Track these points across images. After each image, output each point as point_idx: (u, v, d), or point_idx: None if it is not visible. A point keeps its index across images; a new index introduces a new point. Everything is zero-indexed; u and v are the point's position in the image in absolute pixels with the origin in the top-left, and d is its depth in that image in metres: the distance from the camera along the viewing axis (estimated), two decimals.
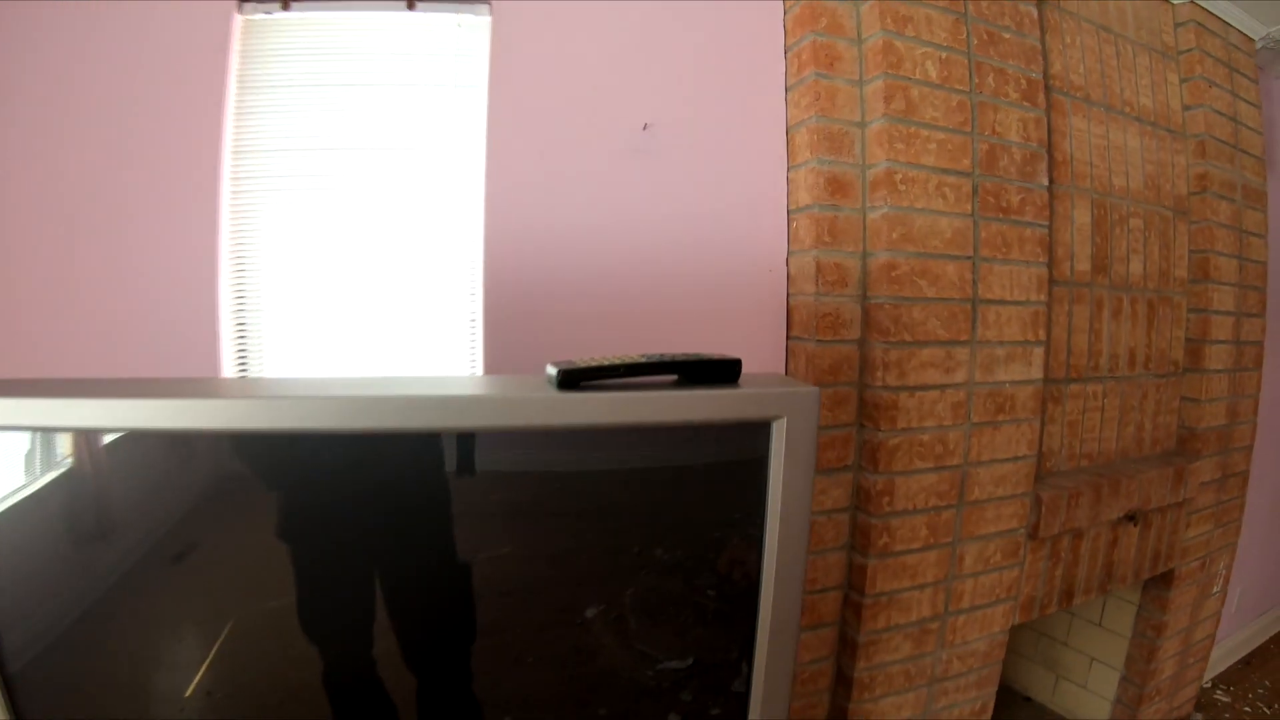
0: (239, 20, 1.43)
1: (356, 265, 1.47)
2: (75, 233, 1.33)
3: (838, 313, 1.43)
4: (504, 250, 1.40)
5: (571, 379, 0.96)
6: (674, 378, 1.03)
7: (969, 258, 1.50)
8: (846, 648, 1.56)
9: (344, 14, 1.47)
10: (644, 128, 1.47)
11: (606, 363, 0.99)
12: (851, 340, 1.45)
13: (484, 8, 1.46)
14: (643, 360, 1.01)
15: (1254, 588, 3.06)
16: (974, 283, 1.51)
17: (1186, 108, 2.16)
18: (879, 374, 1.42)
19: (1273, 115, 2.74)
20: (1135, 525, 1.93)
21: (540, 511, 1.03)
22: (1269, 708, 2.88)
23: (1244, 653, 3.17)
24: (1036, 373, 1.62)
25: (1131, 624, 2.30)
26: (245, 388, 0.94)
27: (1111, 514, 1.86)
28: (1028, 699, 2.63)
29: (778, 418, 0.99)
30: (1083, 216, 1.82)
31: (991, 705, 1.83)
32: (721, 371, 1.03)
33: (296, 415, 0.83)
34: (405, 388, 0.91)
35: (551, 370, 0.98)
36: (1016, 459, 1.62)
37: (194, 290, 1.40)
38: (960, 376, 1.50)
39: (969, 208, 1.51)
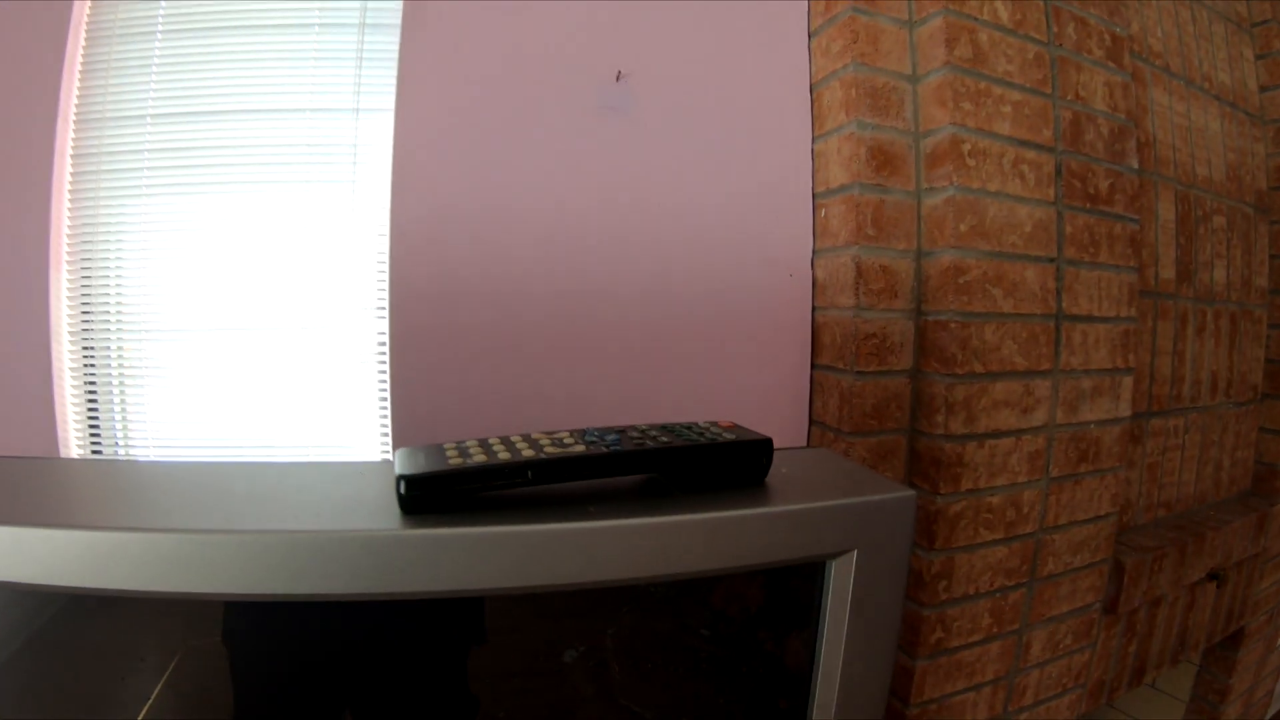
0: None
1: (233, 276, 1.04)
2: None
3: (885, 333, 1.02)
4: (418, 247, 0.98)
5: (422, 493, 0.53)
6: (643, 478, 0.61)
7: (1052, 260, 1.09)
8: None
9: None
10: (617, 78, 1.05)
11: (502, 460, 0.55)
12: (901, 371, 1.04)
13: None
14: (581, 452, 0.57)
15: None
16: (1059, 293, 1.10)
17: (1264, 89, 1.76)
18: (940, 418, 1.00)
19: None
20: (1219, 585, 1.53)
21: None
22: None
23: None
24: (1125, 409, 1.21)
25: (1190, 687, 1.90)
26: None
27: (1195, 574, 1.46)
28: None
29: (840, 554, 0.57)
30: (1167, 211, 1.42)
31: None
32: (737, 461, 0.61)
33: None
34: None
35: (397, 478, 0.54)
36: (1098, 519, 1.21)
37: (19, 324, 0.97)
38: (1040, 418, 1.09)
39: (1052, 193, 1.10)
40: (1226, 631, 1.74)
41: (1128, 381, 1.22)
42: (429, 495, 0.51)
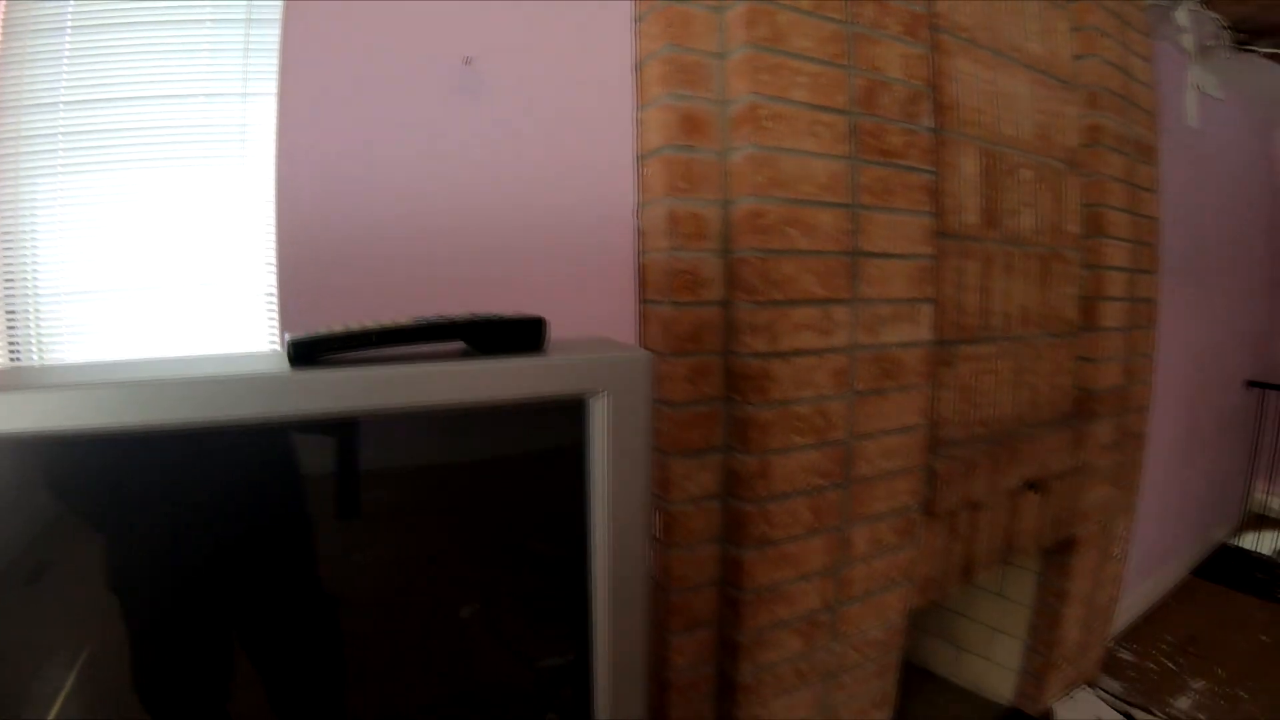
0: None
1: (132, 237, 1.15)
2: None
3: (696, 270, 1.17)
4: (301, 211, 1.10)
5: (307, 351, 0.68)
6: (460, 345, 0.76)
7: (847, 205, 1.26)
8: (727, 650, 1.31)
9: None
10: (466, 62, 1.19)
11: (358, 329, 0.70)
12: (714, 301, 1.20)
13: None
14: (411, 324, 0.73)
15: (1150, 545, 2.94)
16: (854, 233, 1.27)
17: (1077, 57, 1.97)
18: (746, 339, 1.17)
19: (1160, 76, 2.58)
20: (1036, 493, 1.73)
21: (406, 508, 0.79)
22: (1174, 661, 2.78)
23: (1145, 608, 3.07)
24: (925, 333, 1.39)
25: (1033, 592, 2.13)
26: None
27: (1010, 482, 1.66)
28: (929, 674, 2.45)
29: (596, 393, 0.72)
30: (970, 165, 1.60)
31: (893, 693, 1.62)
32: (521, 335, 0.76)
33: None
34: (99, 375, 0.61)
35: (286, 338, 0.69)
36: (906, 429, 1.39)
37: None
38: (841, 339, 1.26)
39: (846, 149, 1.27)
40: (1056, 538, 1.95)
41: (927, 309, 1.40)
42: (308, 352, 0.66)
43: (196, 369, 0.62)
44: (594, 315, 1.19)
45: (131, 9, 1.11)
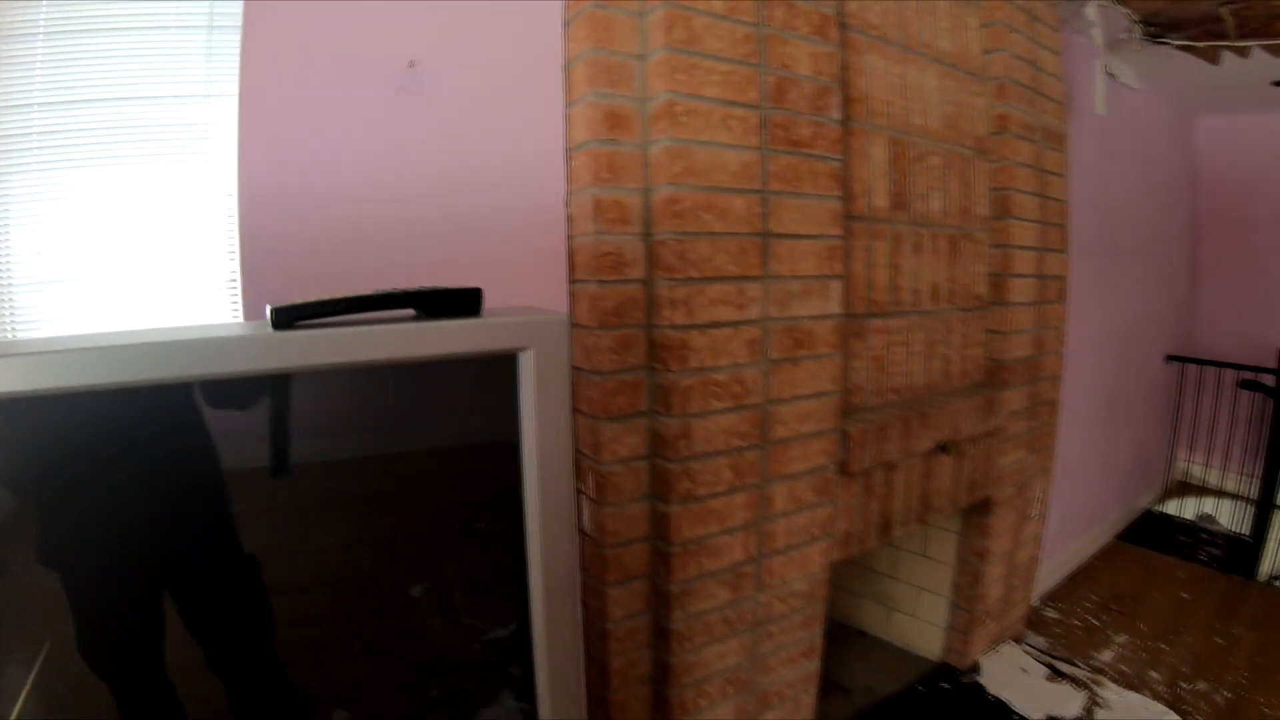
0: None
1: (103, 229, 1.27)
2: None
3: (620, 251, 1.33)
4: (262, 203, 1.23)
5: (287, 316, 0.83)
6: (412, 313, 0.91)
7: (758, 191, 1.43)
8: (660, 599, 1.48)
9: None
10: (409, 65, 1.32)
11: (329, 298, 0.85)
12: (636, 280, 1.36)
13: None
14: (372, 294, 0.88)
15: (1073, 510, 3.19)
16: (764, 216, 1.44)
17: (986, 51, 2.16)
18: (666, 313, 1.33)
19: (1072, 67, 2.81)
20: (948, 455, 1.92)
21: (357, 499, 0.94)
22: (1097, 618, 3.02)
23: (1070, 570, 3.31)
24: (835, 307, 1.57)
25: (955, 552, 2.33)
26: None
27: (923, 445, 1.85)
28: (861, 634, 2.66)
29: (524, 349, 0.88)
30: (880, 153, 1.79)
31: (820, 643, 1.80)
32: (462, 303, 0.91)
33: None
34: (110, 339, 0.74)
35: (267, 309, 0.84)
36: (820, 395, 1.57)
37: None
38: (754, 312, 1.43)
39: (757, 140, 1.44)
40: (972, 499, 2.15)
41: (836, 285, 1.58)
42: (287, 318, 0.80)
43: (189, 334, 0.76)
44: (530, 294, 1.34)
45: (100, 15, 1.23)
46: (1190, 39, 3.07)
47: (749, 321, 1.43)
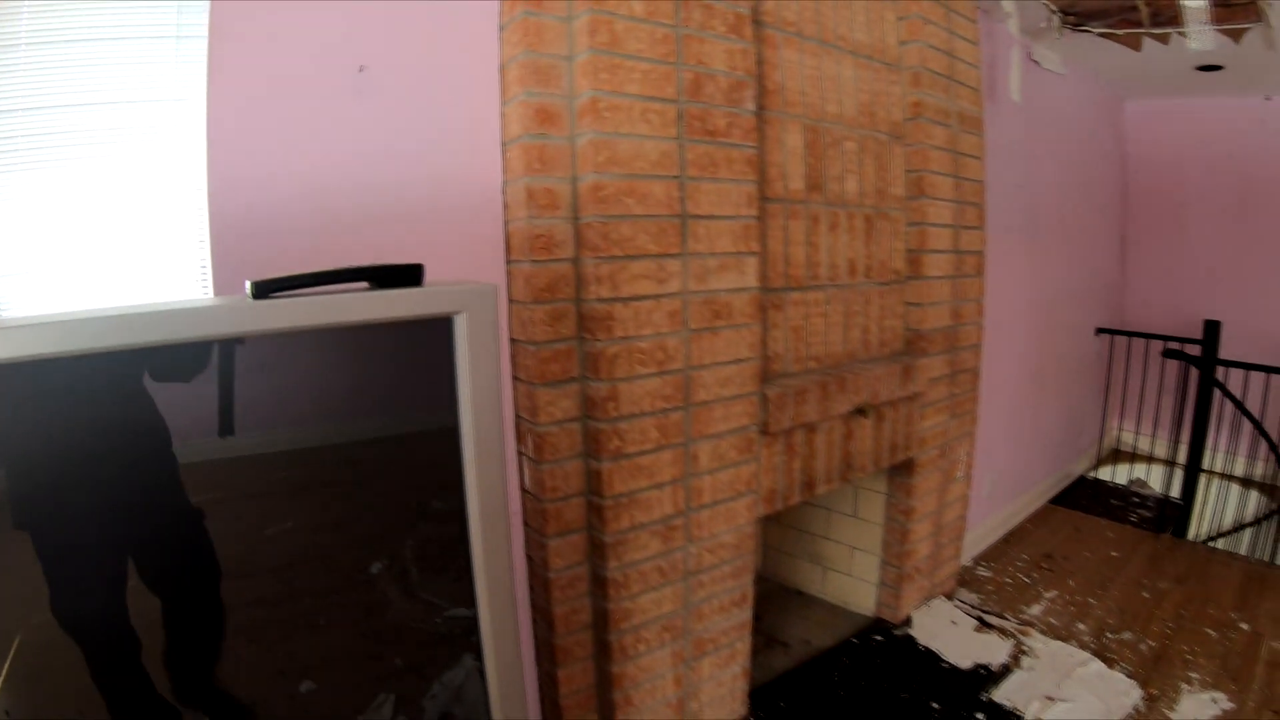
0: None
1: (83, 221, 1.45)
2: None
3: (551, 234, 1.54)
4: (229, 196, 1.41)
5: (264, 289, 1.02)
6: (366, 285, 1.11)
7: (676, 177, 1.65)
8: (597, 550, 1.70)
9: None
10: (360, 70, 1.51)
11: (298, 274, 1.05)
12: (566, 259, 1.57)
13: None
14: (332, 270, 1.08)
15: (1005, 475, 3.47)
16: (682, 200, 1.66)
17: (903, 43, 2.39)
18: (593, 288, 1.54)
19: (993, 54, 3.06)
20: (866, 417, 2.17)
21: (317, 484, 1.13)
22: (1028, 576, 3.31)
23: (1003, 532, 3.60)
24: (751, 281, 1.79)
25: (883, 512, 2.58)
26: None
27: (841, 408, 2.09)
28: (800, 593, 2.91)
29: (458, 312, 1.08)
30: (795, 140, 2.01)
31: (751, 593, 2.03)
32: (407, 276, 1.12)
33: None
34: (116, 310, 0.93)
35: (248, 284, 1.03)
36: (739, 361, 1.80)
37: None
38: (674, 286, 1.65)
39: (674, 131, 1.65)
40: (894, 460, 2.40)
41: (752, 261, 1.80)
42: (264, 290, 1.00)
43: (184, 304, 0.96)
44: (472, 273, 1.54)
45: (78, 27, 1.41)
46: (1110, 27, 3.34)
47: (669, 295, 1.64)
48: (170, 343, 0.88)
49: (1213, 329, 3.76)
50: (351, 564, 1.17)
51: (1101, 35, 3.41)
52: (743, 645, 2.05)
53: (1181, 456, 3.88)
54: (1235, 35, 3.21)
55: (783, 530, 2.98)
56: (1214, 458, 3.91)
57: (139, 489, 0.98)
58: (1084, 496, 4.13)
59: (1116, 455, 4.65)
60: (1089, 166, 4.16)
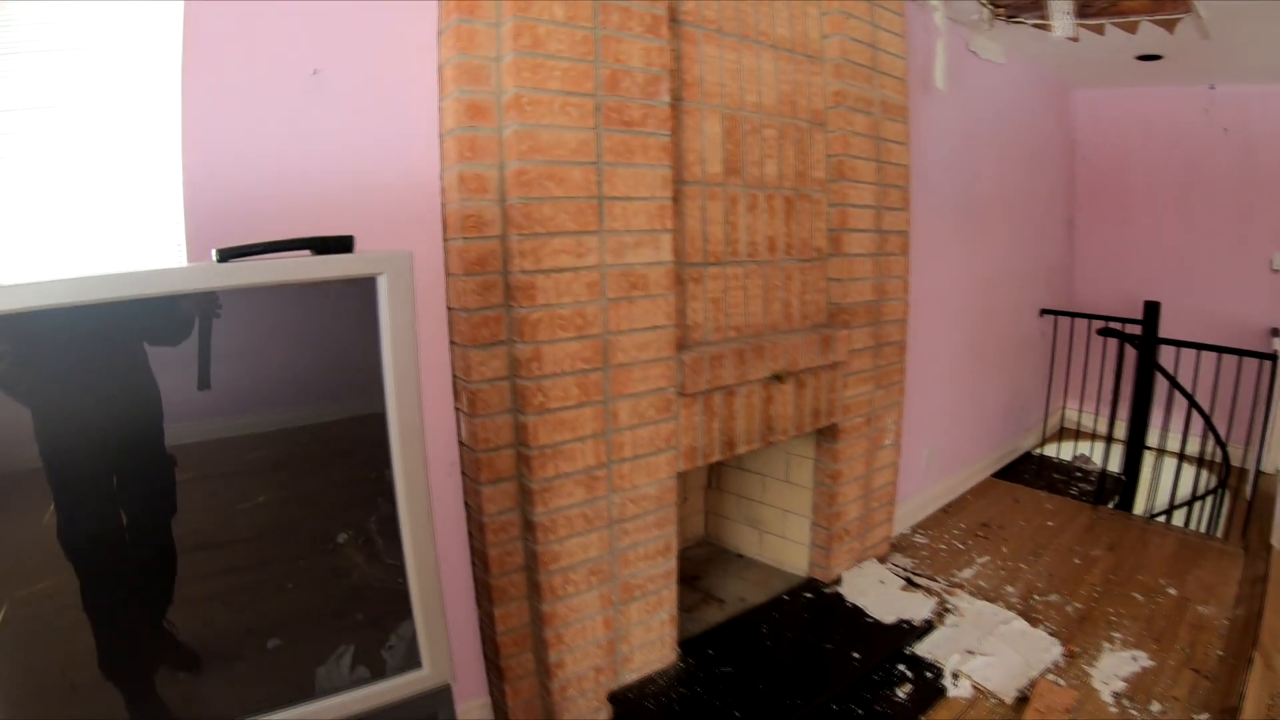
0: None
1: (80, 210, 1.73)
2: None
3: (480, 214, 1.85)
4: (203, 181, 1.68)
5: (226, 255, 1.32)
6: (309, 252, 1.41)
7: (594, 163, 1.95)
8: (526, 496, 2.00)
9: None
10: (314, 73, 1.80)
11: (253, 243, 1.35)
12: (494, 236, 1.88)
13: None
14: (281, 240, 1.38)
15: (944, 448, 3.81)
16: (599, 183, 1.96)
17: (825, 36, 2.71)
18: (517, 261, 1.85)
19: (930, 45, 3.38)
20: (783, 383, 2.48)
21: (287, 462, 1.41)
22: (963, 543, 3.65)
23: (943, 503, 3.94)
24: (667, 256, 2.10)
25: (813, 476, 2.91)
26: None
27: (759, 374, 2.40)
28: (740, 556, 3.23)
29: (380, 274, 1.38)
30: (714, 128, 2.32)
31: (675, 542, 2.35)
32: (341, 245, 1.42)
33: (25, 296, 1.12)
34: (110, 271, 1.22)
35: (214, 251, 1.33)
36: (656, 328, 2.11)
37: None
38: (592, 260, 1.96)
39: (593, 122, 1.96)
40: (817, 425, 2.72)
41: (666, 238, 2.11)
42: (227, 256, 1.30)
43: (165, 267, 1.26)
44: (414, 249, 1.85)
45: (64, 29, 1.68)
46: (1042, 18, 3.66)
47: (588, 267, 1.95)
48: (156, 295, 1.18)
49: (1152, 309, 4.08)
50: (319, 533, 1.45)
51: (1036, 26, 3.73)
52: (669, 593, 2.36)
53: (1128, 434, 4.22)
54: (1169, 26, 3.54)
55: (722, 496, 3.31)
56: (1164, 437, 4.26)
57: (134, 430, 1.28)
58: (1027, 471, 4.48)
59: (1064, 433, 5.01)
60: (1034, 153, 4.51)
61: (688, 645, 2.55)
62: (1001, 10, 3.58)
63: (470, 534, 2.08)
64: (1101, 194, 5.03)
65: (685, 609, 2.77)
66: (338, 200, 1.80)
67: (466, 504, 2.06)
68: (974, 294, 3.95)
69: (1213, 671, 2.69)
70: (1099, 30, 3.71)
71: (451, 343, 1.97)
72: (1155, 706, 2.49)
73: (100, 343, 1.21)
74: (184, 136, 1.63)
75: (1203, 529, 4.08)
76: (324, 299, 1.38)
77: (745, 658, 2.54)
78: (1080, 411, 5.02)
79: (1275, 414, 3.89)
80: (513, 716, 2.17)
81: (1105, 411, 4.49)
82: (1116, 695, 2.55)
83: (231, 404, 1.36)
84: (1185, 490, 4.27)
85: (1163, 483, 4.23)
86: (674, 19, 2.21)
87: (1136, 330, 4.07)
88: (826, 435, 2.84)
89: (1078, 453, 4.69)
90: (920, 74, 3.32)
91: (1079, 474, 4.49)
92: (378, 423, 1.42)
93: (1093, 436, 4.71)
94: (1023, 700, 2.45)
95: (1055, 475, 4.44)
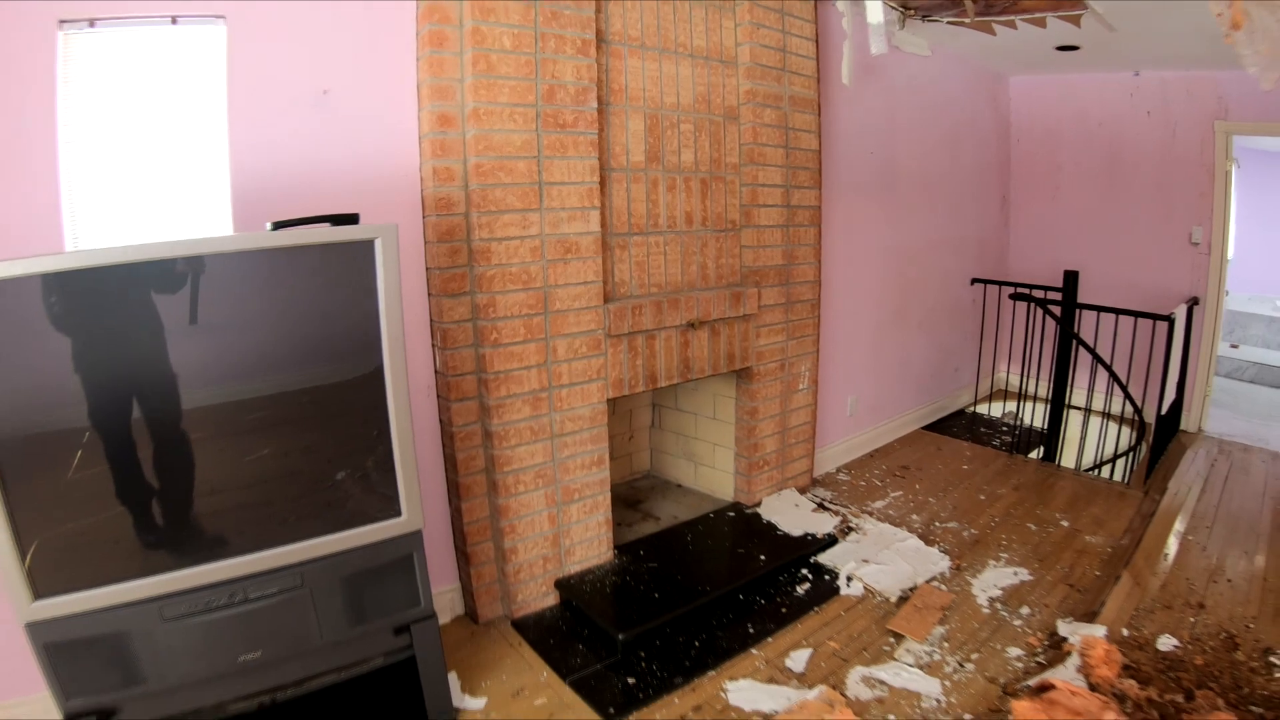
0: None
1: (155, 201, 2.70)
2: None
3: (449, 197, 2.82)
4: (246, 173, 2.65)
5: (278, 225, 2.29)
6: (328, 224, 2.37)
7: (534, 157, 2.93)
8: (485, 411, 2.98)
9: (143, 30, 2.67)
10: (324, 93, 2.77)
11: (292, 219, 2.32)
12: (460, 214, 2.85)
13: (221, 20, 2.70)
14: (311, 216, 2.34)
15: (869, 399, 4.82)
16: (539, 173, 2.93)
17: (739, 44, 3.67)
18: (477, 232, 2.82)
19: (835, 39, 4.33)
20: (697, 330, 3.46)
21: (290, 420, 2.28)
22: (880, 481, 4.64)
23: (870, 449, 4.95)
24: (595, 227, 3.08)
25: (735, 413, 3.89)
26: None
27: (675, 321, 3.38)
28: (679, 486, 4.23)
29: (376, 238, 2.33)
30: (637, 125, 3.30)
31: (607, 457, 3.34)
32: (350, 219, 2.38)
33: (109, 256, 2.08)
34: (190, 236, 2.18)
35: (268, 224, 2.29)
36: (586, 283, 3.09)
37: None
38: (534, 231, 2.93)
39: (534, 126, 2.93)
40: (731, 367, 3.71)
41: (594, 214, 3.09)
42: (279, 226, 2.26)
43: (242, 235, 2.24)
44: (401, 224, 2.82)
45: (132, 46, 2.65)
46: (955, 17, 4.61)
47: (531, 236, 2.93)
48: (239, 251, 2.15)
49: (1071, 278, 5.02)
50: (318, 475, 2.32)
51: (951, 24, 4.68)
52: (604, 499, 3.35)
53: (1050, 392, 5.18)
54: (1074, 20, 4.49)
55: (664, 434, 4.31)
56: (1092, 398, 5.14)
57: (150, 353, 2.24)
58: (957, 425, 5.49)
59: (1002, 394, 6.01)
60: (961, 135, 5.52)
61: (623, 548, 3.54)
62: (913, 11, 4.54)
63: (444, 444, 3.06)
64: (1034, 173, 6.06)
65: (626, 524, 3.80)
66: (343, 187, 2.78)
67: (440, 420, 3.04)
68: (895, 263, 4.94)
69: (1086, 587, 3.46)
70: (1011, 25, 4.67)
71: (429, 294, 2.94)
72: (1025, 610, 3.28)
73: (128, 292, 2.16)
74: (230, 139, 2.60)
75: (1119, 479, 4.98)
76: (337, 257, 2.33)
77: (670, 557, 3.53)
78: (1012, 374, 6.01)
79: (1172, 369, 4.82)
80: (477, 596, 3.15)
81: (1036, 372, 5.44)
82: (991, 600, 3.37)
83: (235, 367, 2.26)
84: (1107, 447, 5.22)
85: (1089, 441, 5.19)
86: (603, 40, 3.18)
87: (1057, 297, 5.02)
88: (744, 377, 3.83)
89: (1006, 410, 5.67)
90: (838, 70, 4.27)
91: (1005, 428, 5.47)
92: (375, 338, 2.37)
93: (1020, 396, 5.67)
94: (904, 599, 3.35)
95: (982, 429, 5.44)
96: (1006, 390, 6.17)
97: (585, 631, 3.08)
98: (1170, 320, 4.63)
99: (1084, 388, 5.11)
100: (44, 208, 2.26)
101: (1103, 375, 5.00)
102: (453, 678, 2.69)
